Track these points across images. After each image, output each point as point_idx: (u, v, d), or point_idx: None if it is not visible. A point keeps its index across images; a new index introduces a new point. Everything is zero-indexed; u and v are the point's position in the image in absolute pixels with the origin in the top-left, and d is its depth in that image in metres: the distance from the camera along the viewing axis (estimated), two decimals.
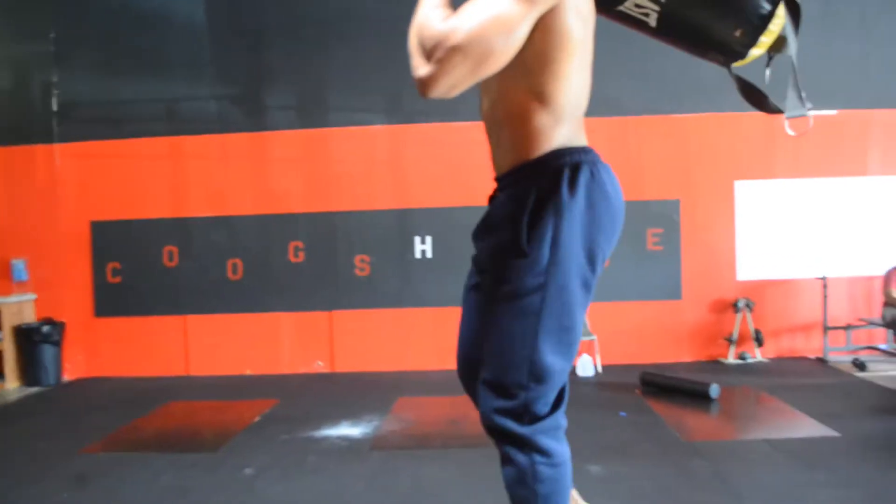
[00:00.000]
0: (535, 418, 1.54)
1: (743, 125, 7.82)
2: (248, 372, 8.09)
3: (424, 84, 1.47)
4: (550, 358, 1.54)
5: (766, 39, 1.73)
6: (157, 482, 4.57)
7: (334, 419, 5.94)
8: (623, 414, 5.85)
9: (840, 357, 7.75)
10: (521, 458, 1.52)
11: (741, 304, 7.83)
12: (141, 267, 8.19)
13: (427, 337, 8.05)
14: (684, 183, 7.96)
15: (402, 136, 8.11)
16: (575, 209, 1.61)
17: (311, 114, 8.29)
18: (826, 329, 7.77)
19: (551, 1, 1.45)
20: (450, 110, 7.93)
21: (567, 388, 1.67)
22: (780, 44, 1.73)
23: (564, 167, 1.62)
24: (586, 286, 1.62)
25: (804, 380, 7.01)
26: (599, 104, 8.13)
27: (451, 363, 6.93)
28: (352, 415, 6.08)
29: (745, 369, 7.56)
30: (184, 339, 8.19)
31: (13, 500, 4.29)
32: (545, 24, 1.47)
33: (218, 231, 8.22)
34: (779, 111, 1.81)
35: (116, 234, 8.17)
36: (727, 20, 1.66)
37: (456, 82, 1.47)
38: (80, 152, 8.16)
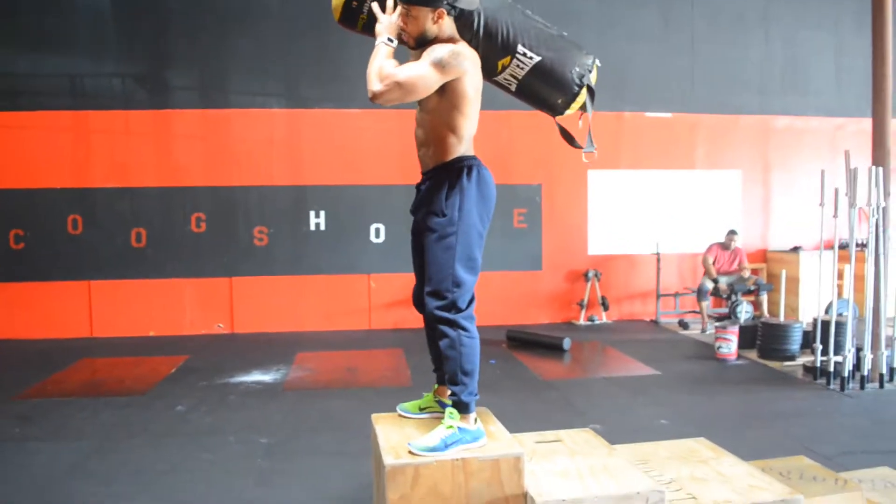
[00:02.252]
0: (459, 310, 2.55)
1: (595, 122, 9.16)
2: (152, 333, 8.66)
3: (376, 95, 2.44)
4: (463, 274, 2.55)
5: (575, 105, 2.80)
6: (97, 418, 5.26)
7: (245, 369, 6.77)
8: (493, 362, 7.04)
9: (669, 319, 9.31)
10: (451, 332, 2.52)
11: (591, 274, 9.23)
12: (44, 234, 8.53)
13: (320, 301, 8.94)
14: (546, 170, 9.24)
15: (299, 120, 8.86)
16: (471, 189, 2.63)
17: (213, 95, 8.85)
18: (658, 296, 9.30)
19: (455, 74, 2.49)
20: (343, 98, 8.82)
21: (474, 297, 2.68)
22: (584, 107, 2.82)
23: (464, 167, 2.64)
24: (480, 235, 2.65)
25: (639, 336, 8.48)
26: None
27: (343, 324, 7.97)
28: (259, 365, 6.92)
29: (593, 329, 8.96)
30: (87, 303, 8.63)
31: None
32: (453, 88, 2.51)
33: (122, 201, 8.67)
34: (579, 147, 2.90)
35: (19, 202, 8.46)
36: (554, 93, 2.73)
37: (392, 100, 2.46)
38: None
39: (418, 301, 2.69)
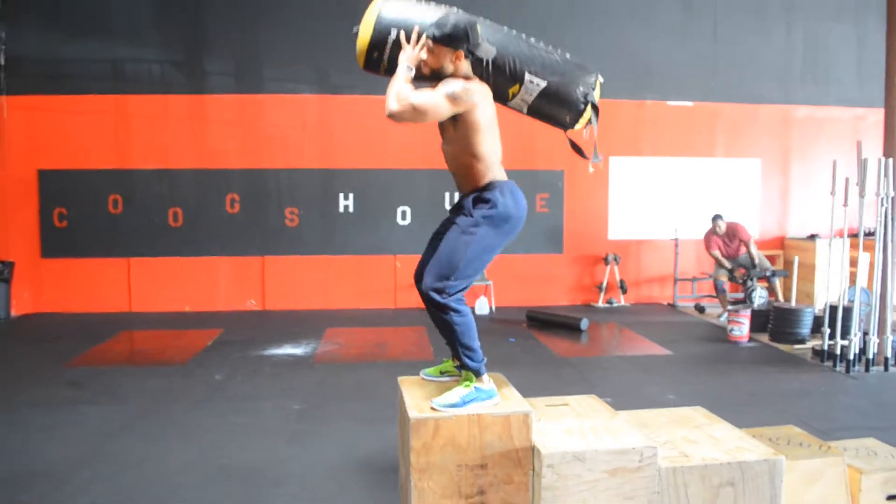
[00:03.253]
0: (449, 295, 2.84)
1: (618, 110, 9.41)
2: (188, 309, 9.10)
3: (393, 114, 2.75)
4: (464, 269, 2.83)
5: (583, 120, 3.08)
6: (143, 384, 5.66)
7: (277, 343, 7.15)
8: (512, 339, 7.36)
9: (686, 303, 9.56)
10: (442, 315, 2.78)
11: (610, 258, 9.49)
12: (87, 213, 8.98)
13: (349, 280, 9.32)
14: (568, 157, 9.32)
15: (330, 105, 9.19)
16: (502, 205, 2.89)
17: (247, 81, 9.21)
18: (676, 280, 9.54)
19: (465, 107, 2.78)
20: (372, 85, 9.08)
21: (466, 289, 2.96)
22: (590, 121, 3.10)
23: (497, 187, 2.91)
24: (493, 249, 2.92)
25: (656, 318, 8.74)
26: None
27: (370, 303, 8.36)
28: (291, 340, 7.30)
29: (611, 311, 9.23)
30: (127, 279, 9.08)
31: (23, 401, 5.24)
32: (465, 119, 2.82)
33: (160, 183, 9.09)
34: (586, 158, 3.19)
35: (63, 182, 8.92)
36: (563, 112, 3.02)
37: (406, 119, 2.77)
38: (28, 105, 8.81)
39: (418, 278, 2.99)
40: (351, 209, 9.31)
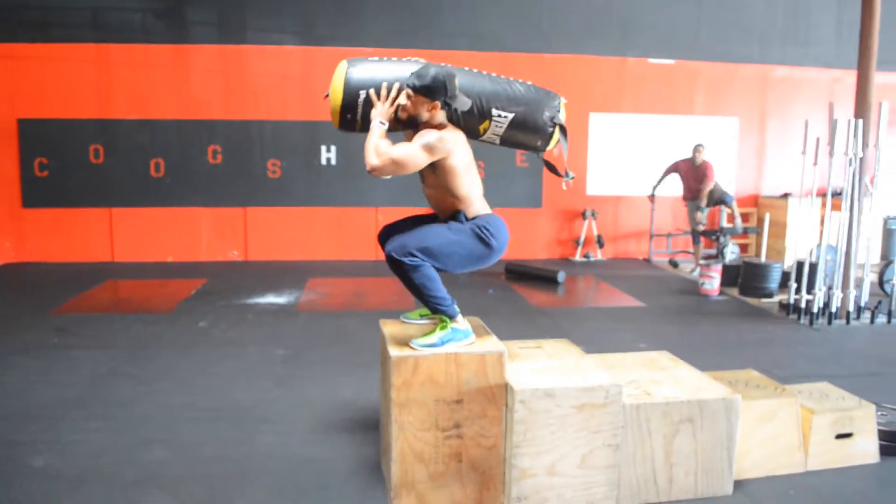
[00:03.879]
0: (412, 258, 2.95)
1: (600, 67, 9.50)
2: (170, 259, 9.18)
3: (374, 168, 2.86)
4: (433, 252, 2.93)
5: (553, 142, 3.21)
6: (130, 330, 5.80)
7: (260, 292, 7.29)
8: (491, 291, 7.55)
9: (661, 258, 9.78)
10: (401, 272, 2.88)
11: (588, 213, 9.67)
12: (68, 163, 8.97)
13: (331, 232, 9.43)
14: None
15: (313, 57, 9.18)
16: (484, 243, 3.00)
17: (230, 31, 9.15)
18: (651, 236, 9.76)
19: (441, 155, 2.90)
20: (356, 37, 9.13)
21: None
22: (557, 143, 3.23)
23: (486, 228, 3.02)
24: (468, 259, 3.03)
25: (631, 272, 8.96)
26: (484, 39, 9.55)
27: (351, 254, 8.49)
28: (273, 289, 7.44)
29: (589, 265, 9.44)
30: (109, 229, 9.13)
31: (13, 348, 5.35)
32: (443, 165, 2.95)
33: (142, 133, 9.08)
34: (561, 176, 3.32)
35: (44, 132, 8.88)
36: (532, 137, 3.16)
37: (387, 173, 2.90)
38: (7, 54, 8.71)
39: (384, 236, 3.12)
40: (333, 161, 9.37)
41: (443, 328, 2.94)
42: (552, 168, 3.44)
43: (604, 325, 6.24)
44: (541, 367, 3.06)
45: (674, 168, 8.91)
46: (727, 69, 9.93)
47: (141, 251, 9.14)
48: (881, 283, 7.24)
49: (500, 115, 3.08)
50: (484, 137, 3.19)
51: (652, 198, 9.13)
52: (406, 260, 2.90)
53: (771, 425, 3.32)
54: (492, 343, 2.99)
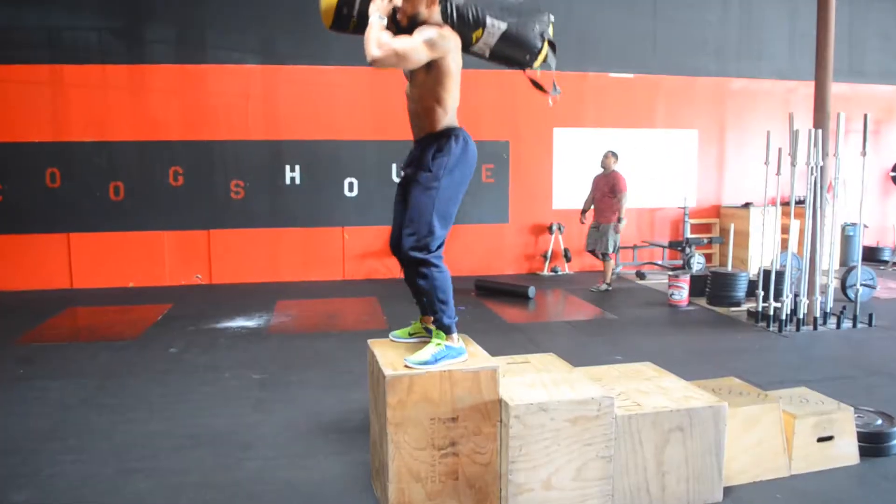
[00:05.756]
0: (430, 251, 2.99)
1: (562, 82, 9.53)
2: (132, 284, 8.97)
3: (375, 60, 2.85)
4: (437, 224, 2.99)
5: (541, 57, 3.23)
6: (97, 359, 5.63)
7: (229, 316, 7.16)
8: (462, 308, 7.52)
9: (628, 270, 9.89)
10: (424, 270, 2.97)
11: (555, 227, 9.74)
12: (23, 187, 8.72)
13: (297, 252, 9.32)
14: (513, 127, 9.66)
15: (275, 76, 9.10)
16: (456, 154, 3.05)
17: (190, 50, 9.02)
18: (617, 249, 9.82)
19: (440, 53, 2.91)
20: (318, 55, 9.09)
21: (443, 243, 3.11)
22: (547, 58, 3.26)
23: (452, 135, 3.05)
24: (457, 194, 3.07)
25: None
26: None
27: (319, 275, 8.41)
28: (242, 312, 7.31)
29: (556, 279, 9.51)
30: (67, 255, 8.88)
31: None
32: (438, 65, 2.95)
33: (100, 155, 8.88)
34: (546, 92, 3.35)
35: None
36: (522, 51, 3.16)
37: (388, 65, 2.88)
38: None
39: (395, 245, 3.12)
40: (297, 181, 9.29)
41: (437, 345, 2.92)
42: (537, 84, 3.45)
43: (578, 339, 6.27)
44: (531, 382, 3.06)
45: (593, 184, 8.60)
46: (685, 82, 10.14)
47: (101, 277, 8.91)
48: (843, 288, 7.43)
49: (493, 25, 3.09)
50: (475, 48, 3.17)
51: (583, 219, 8.72)
52: (432, 259, 2.96)
53: (755, 431, 3.36)
54: (484, 359, 2.99)
